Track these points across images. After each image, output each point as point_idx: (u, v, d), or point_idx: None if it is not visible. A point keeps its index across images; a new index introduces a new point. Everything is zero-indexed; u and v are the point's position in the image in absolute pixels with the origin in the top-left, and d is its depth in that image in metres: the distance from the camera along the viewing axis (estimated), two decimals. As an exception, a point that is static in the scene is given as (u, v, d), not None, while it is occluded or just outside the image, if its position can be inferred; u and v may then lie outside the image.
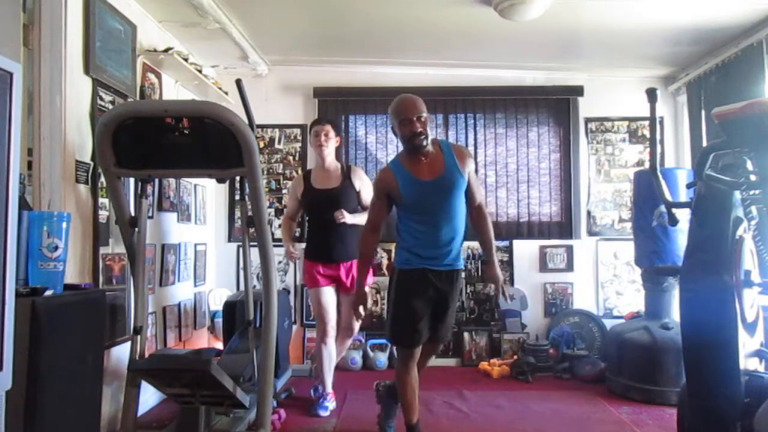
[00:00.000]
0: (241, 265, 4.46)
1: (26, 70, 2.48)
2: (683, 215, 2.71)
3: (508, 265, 4.72)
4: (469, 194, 2.70)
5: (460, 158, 2.64)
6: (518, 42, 4.09)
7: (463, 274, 2.78)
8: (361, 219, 3.25)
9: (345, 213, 3.32)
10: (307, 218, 3.60)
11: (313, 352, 4.57)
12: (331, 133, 3.48)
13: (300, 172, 4.73)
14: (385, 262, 4.69)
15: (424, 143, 2.58)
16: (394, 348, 3.76)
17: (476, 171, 2.77)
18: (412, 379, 2.70)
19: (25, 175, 2.39)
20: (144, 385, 2.64)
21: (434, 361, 2.91)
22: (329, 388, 3.45)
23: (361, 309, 2.74)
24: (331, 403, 3.41)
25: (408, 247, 2.66)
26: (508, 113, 4.80)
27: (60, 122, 2.63)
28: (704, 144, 4.04)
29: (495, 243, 2.81)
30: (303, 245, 3.63)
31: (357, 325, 3.40)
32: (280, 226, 4.74)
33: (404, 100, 2.66)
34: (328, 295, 3.45)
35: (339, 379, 3.52)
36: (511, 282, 4.71)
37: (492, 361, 4.38)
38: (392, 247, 4.61)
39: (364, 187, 3.45)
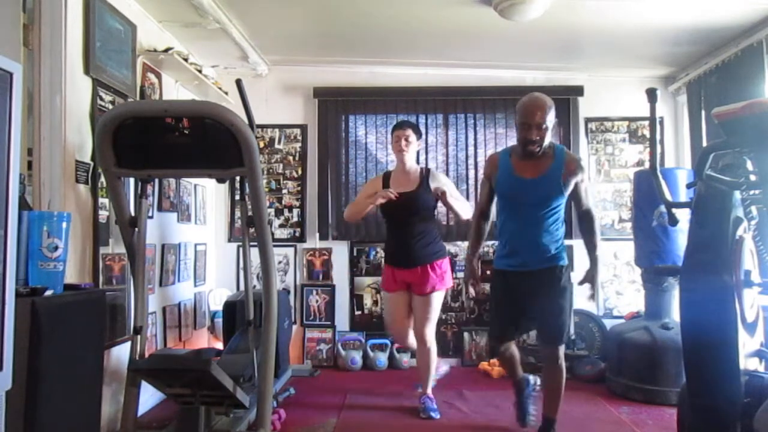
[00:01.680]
0: (241, 265, 4.46)
1: (26, 70, 2.47)
2: (683, 215, 2.71)
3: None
4: (576, 200, 2.76)
5: (567, 169, 2.65)
6: (518, 42, 4.09)
7: (564, 271, 2.75)
8: (456, 203, 3.33)
9: (449, 194, 3.28)
10: (385, 222, 3.54)
11: (313, 352, 4.59)
12: (413, 137, 3.41)
13: (300, 171, 4.74)
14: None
15: (536, 151, 2.61)
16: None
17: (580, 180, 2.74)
18: (508, 356, 2.91)
19: (25, 175, 2.39)
20: (144, 385, 2.64)
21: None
22: (429, 389, 3.42)
23: (471, 288, 2.91)
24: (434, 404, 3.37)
25: (502, 243, 2.83)
26: (508, 113, 4.79)
27: (60, 122, 2.63)
28: (704, 144, 4.03)
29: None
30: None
31: (430, 333, 3.37)
32: (280, 225, 4.76)
33: (529, 103, 2.63)
34: (399, 301, 3.44)
35: (339, 379, 3.51)
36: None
37: (492, 361, 4.37)
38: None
39: (447, 186, 3.40)
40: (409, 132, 3.42)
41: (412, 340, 3.48)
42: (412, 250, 3.34)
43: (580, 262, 4.71)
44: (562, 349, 2.70)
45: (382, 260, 3.82)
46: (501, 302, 2.83)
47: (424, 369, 3.41)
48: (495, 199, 2.86)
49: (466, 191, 4.74)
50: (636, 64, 4.57)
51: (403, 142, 3.39)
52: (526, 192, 2.66)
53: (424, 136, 4.77)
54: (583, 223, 2.82)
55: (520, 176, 2.66)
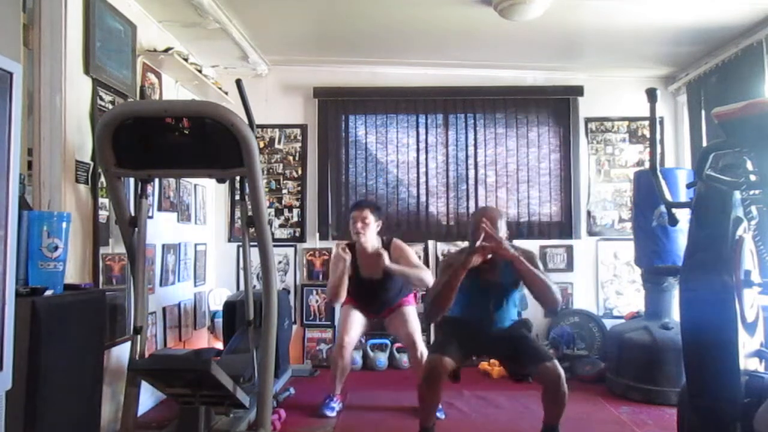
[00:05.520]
0: (241, 265, 4.46)
1: (26, 70, 2.47)
2: (683, 215, 2.71)
3: (508, 265, 4.73)
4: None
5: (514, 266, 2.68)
6: (518, 42, 4.09)
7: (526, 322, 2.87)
8: (400, 268, 3.29)
9: (386, 258, 3.23)
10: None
11: (313, 352, 4.60)
12: (370, 218, 3.36)
13: (300, 171, 4.74)
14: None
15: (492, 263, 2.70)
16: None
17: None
18: (437, 388, 2.63)
19: (25, 175, 2.39)
20: (144, 385, 2.64)
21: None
22: (338, 391, 3.46)
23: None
24: (337, 404, 3.41)
25: (457, 310, 2.79)
26: (508, 113, 4.80)
27: (60, 122, 2.63)
28: (704, 144, 4.03)
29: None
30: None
31: (419, 339, 3.36)
32: (280, 225, 4.76)
33: (483, 217, 2.70)
34: (358, 314, 3.49)
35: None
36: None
37: (492, 361, 4.37)
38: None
39: (404, 255, 3.39)
40: (366, 213, 3.36)
41: (348, 357, 3.45)
42: (378, 303, 3.48)
43: (580, 260, 4.74)
44: (558, 365, 2.56)
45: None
46: (456, 336, 2.74)
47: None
48: None
49: (466, 191, 4.74)
50: (636, 64, 4.57)
51: (359, 224, 3.33)
52: (486, 292, 2.77)
53: (424, 137, 4.80)
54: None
55: (482, 278, 2.72)
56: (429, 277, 3.35)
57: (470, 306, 2.78)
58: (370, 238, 3.40)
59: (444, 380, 2.61)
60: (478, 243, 2.65)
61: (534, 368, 2.59)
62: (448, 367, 2.59)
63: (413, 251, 3.56)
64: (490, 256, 2.66)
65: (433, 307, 2.73)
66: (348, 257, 3.33)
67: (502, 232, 2.72)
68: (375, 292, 3.45)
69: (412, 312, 3.46)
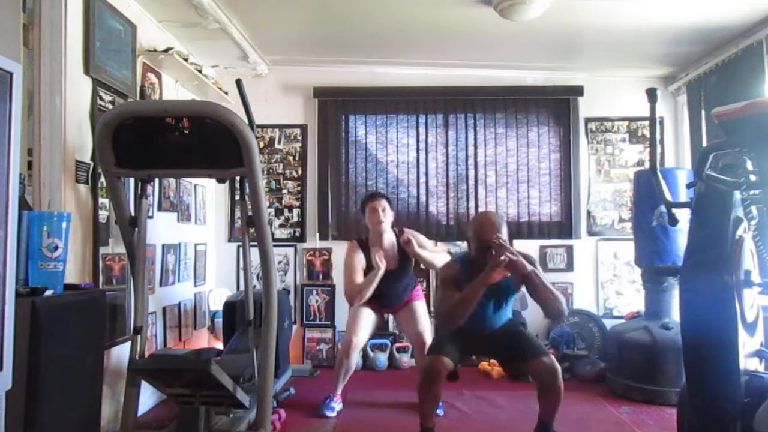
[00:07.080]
0: (241, 265, 4.46)
1: (26, 70, 2.47)
2: (683, 215, 2.71)
3: (508, 265, 4.74)
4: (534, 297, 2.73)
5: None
6: (518, 42, 4.09)
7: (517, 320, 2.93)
8: (427, 254, 3.37)
9: (415, 244, 3.30)
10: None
11: (313, 352, 4.60)
12: (388, 208, 3.42)
13: (300, 171, 4.74)
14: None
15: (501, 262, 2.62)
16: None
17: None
18: (436, 390, 2.63)
19: (25, 175, 2.39)
20: (144, 385, 2.65)
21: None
22: (338, 392, 3.46)
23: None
24: (338, 404, 3.41)
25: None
26: (508, 113, 4.80)
27: (60, 122, 2.63)
28: (704, 144, 4.04)
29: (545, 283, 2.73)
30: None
31: (429, 339, 3.33)
32: (280, 225, 4.76)
33: (485, 225, 2.70)
34: (368, 313, 3.45)
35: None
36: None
37: (492, 361, 4.37)
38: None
39: (420, 242, 3.43)
40: (385, 203, 3.42)
41: (354, 358, 3.44)
42: (389, 296, 3.46)
43: (580, 260, 4.74)
44: (554, 360, 2.60)
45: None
46: (453, 336, 2.72)
47: None
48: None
49: (466, 191, 4.74)
50: (636, 64, 4.57)
51: (381, 213, 3.37)
52: (487, 295, 2.71)
53: (424, 137, 4.80)
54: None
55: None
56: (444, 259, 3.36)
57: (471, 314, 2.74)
58: (388, 226, 3.44)
59: (443, 380, 2.61)
60: (501, 258, 2.56)
61: (530, 364, 2.61)
62: (447, 366, 2.60)
63: (418, 235, 3.57)
64: (509, 274, 2.65)
65: (447, 323, 2.71)
66: (383, 266, 3.28)
67: (504, 236, 2.68)
68: (388, 284, 3.39)
69: (422, 309, 3.49)
